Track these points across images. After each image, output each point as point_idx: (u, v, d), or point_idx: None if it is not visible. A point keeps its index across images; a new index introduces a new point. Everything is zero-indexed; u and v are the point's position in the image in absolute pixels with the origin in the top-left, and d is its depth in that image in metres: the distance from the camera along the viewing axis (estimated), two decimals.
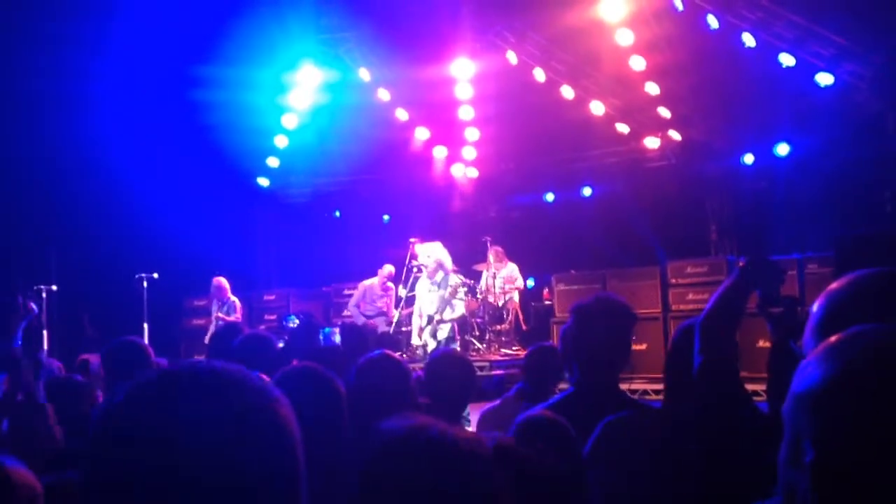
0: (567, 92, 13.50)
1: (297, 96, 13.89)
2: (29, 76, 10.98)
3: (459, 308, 11.05)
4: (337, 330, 11.24)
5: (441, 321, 11.06)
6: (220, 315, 12.08)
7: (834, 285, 1.68)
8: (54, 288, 11.55)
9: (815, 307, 1.66)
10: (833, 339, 1.27)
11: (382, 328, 12.45)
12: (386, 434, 1.53)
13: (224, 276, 12.45)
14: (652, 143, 14.14)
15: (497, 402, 4.81)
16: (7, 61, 10.74)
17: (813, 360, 1.25)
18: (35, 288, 11.30)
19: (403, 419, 1.59)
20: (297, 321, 11.52)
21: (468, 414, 5.13)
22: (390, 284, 13.09)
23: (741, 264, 2.72)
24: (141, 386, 1.06)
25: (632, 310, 3.32)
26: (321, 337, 8.05)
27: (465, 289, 12.16)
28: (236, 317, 11.86)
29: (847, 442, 1.17)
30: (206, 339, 12.28)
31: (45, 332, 11.16)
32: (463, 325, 11.97)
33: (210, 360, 1.10)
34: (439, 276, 11.00)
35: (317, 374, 2.88)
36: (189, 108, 12.49)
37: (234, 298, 12.29)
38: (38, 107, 11.60)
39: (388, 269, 13.03)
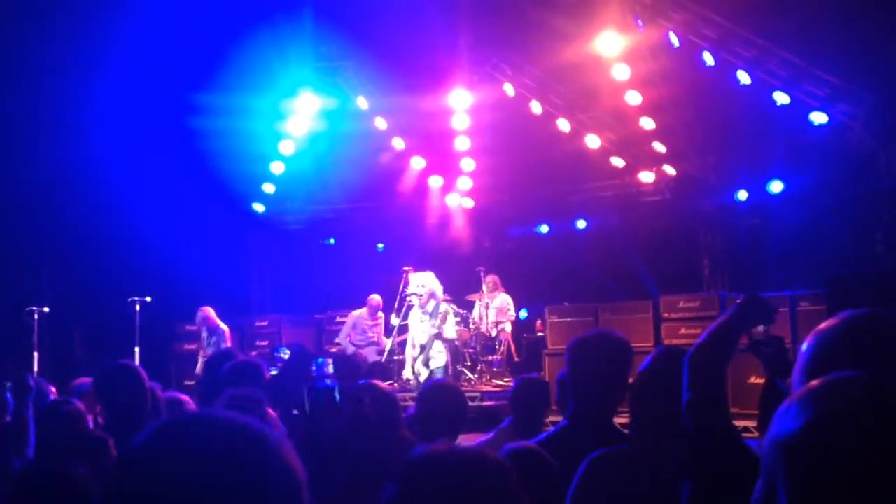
0: (563, 125, 13.58)
1: (295, 123, 13.94)
2: (25, 101, 11.02)
3: (450, 332, 11.04)
4: (330, 360, 11.22)
5: (430, 350, 11.05)
6: (205, 353, 11.99)
7: (822, 326, 1.70)
8: (46, 310, 11.50)
9: (803, 347, 1.68)
10: (813, 384, 1.27)
11: (373, 357, 12.43)
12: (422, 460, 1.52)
13: (215, 303, 12.43)
14: (647, 177, 14.21)
15: (490, 434, 4.80)
16: (6, 86, 10.78)
17: (790, 406, 1.26)
18: (27, 309, 11.26)
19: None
20: (287, 353, 11.49)
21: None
22: (380, 314, 13.08)
23: (738, 301, 2.73)
24: (147, 441, 1.10)
25: (629, 345, 3.34)
26: (314, 368, 8.03)
27: (458, 318, 12.15)
28: (226, 346, 11.80)
29: (817, 494, 1.18)
30: (197, 367, 12.25)
31: (35, 354, 11.13)
32: (455, 355, 11.95)
33: (211, 411, 1.14)
34: (430, 305, 11.00)
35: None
36: (185, 133, 12.54)
37: (223, 326, 12.25)
38: (35, 131, 11.63)
39: (376, 298, 13.04)
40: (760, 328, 2.82)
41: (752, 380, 10.66)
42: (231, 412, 1.14)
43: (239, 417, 1.13)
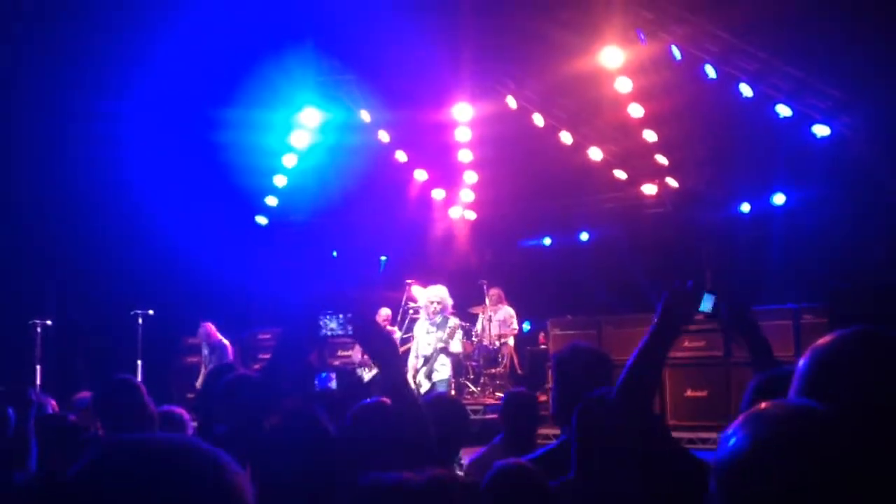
0: (566, 137, 13.60)
1: (298, 136, 13.97)
2: (32, 118, 11.08)
3: (456, 347, 11.03)
4: (334, 375, 11.17)
5: (435, 362, 11.03)
6: (207, 368, 12.01)
7: (820, 342, 1.70)
8: (49, 323, 11.50)
9: (800, 362, 1.68)
10: (756, 408, 1.28)
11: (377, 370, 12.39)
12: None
13: (218, 315, 12.45)
14: (649, 189, 14.22)
15: (484, 449, 4.78)
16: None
17: (732, 430, 1.27)
18: (31, 322, 11.27)
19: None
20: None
21: (461, 458, 5.10)
22: (391, 328, 13.04)
23: (656, 316, 2.70)
24: (86, 466, 1.11)
25: (607, 356, 3.38)
26: (317, 381, 8.01)
27: (462, 332, 12.14)
28: (228, 360, 11.80)
29: None
30: (197, 382, 12.24)
31: (38, 367, 11.12)
32: (458, 367, 11.94)
33: (155, 435, 1.15)
34: (439, 317, 10.99)
35: (309, 420, 2.87)
36: (191, 148, 12.57)
37: (225, 341, 12.25)
38: (41, 146, 11.67)
39: (385, 311, 13.01)
40: (709, 305, 2.81)
41: (689, 393, 10.70)
42: (171, 435, 1.15)
43: (179, 438, 1.15)
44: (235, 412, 3.71)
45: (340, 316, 3.25)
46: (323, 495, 2.69)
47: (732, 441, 1.24)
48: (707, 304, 2.83)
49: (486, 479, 2.75)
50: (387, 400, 3.47)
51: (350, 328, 3.24)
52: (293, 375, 3.71)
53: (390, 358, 3.17)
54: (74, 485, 1.10)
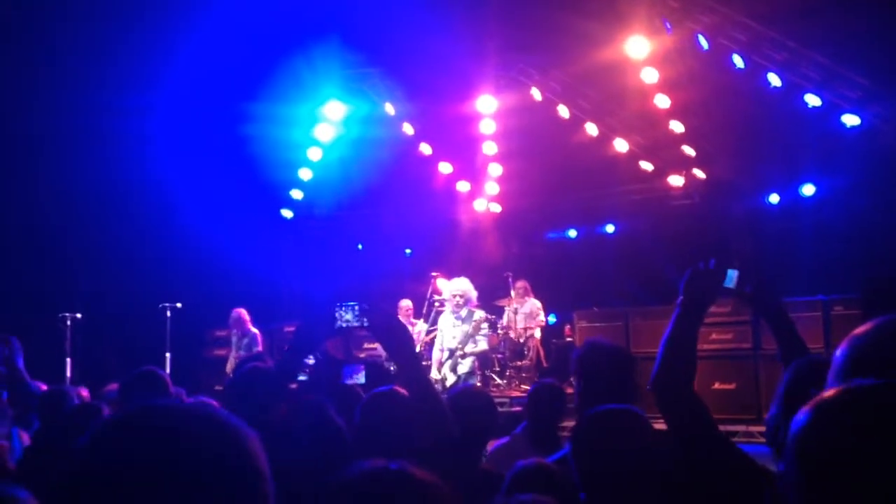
0: (591, 129, 13.52)
1: (322, 130, 14.00)
2: (60, 113, 11.18)
3: (482, 343, 11.01)
4: (362, 367, 11.18)
5: (463, 355, 11.02)
6: (237, 355, 12.11)
7: (857, 331, 1.67)
8: (79, 316, 11.62)
9: (838, 352, 1.66)
10: (829, 392, 1.30)
11: None
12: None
13: (245, 307, 12.49)
14: (676, 181, 14.12)
15: (506, 439, 4.77)
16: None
17: (804, 412, 1.29)
18: (60, 315, 11.39)
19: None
20: (311, 358, 11.48)
21: (487, 451, 5.09)
22: (414, 321, 13.05)
23: (679, 298, 2.68)
24: (101, 430, 1.12)
25: (628, 353, 3.36)
26: (344, 375, 8.01)
27: (488, 324, 12.11)
28: (258, 349, 11.87)
29: (820, 496, 1.22)
30: (228, 369, 12.32)
31: (68, 360, 11.24)
32: (484, 360, 11.92)
33: (172, 401, 1.15)
34: (464, 310, 10.96)
35: (319, 411, 2.87)
36: (218, 143, 12.64)
37: (254, 330, 12.32)
38: (70, 142, 11.78)
39: (406, 303, 13.02)
40: (733, 281, 2.77)
41: (717, 386, 10.61)
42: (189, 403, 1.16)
43: (197, 406, 1.16)
44: (247, 403, 3.74)
45: (356, 307, 3.24)
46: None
47: (799, 417, 1.27)
48: (731, 281, 2.79)
49: (507, 478, 2.73)
50: (399, 389, 3.45)
51: (365, 320, 3.23)
52: (321, 370, 3.71)
53: (405, 350, 3.15)
54: (89, 446, 1.10)
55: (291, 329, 14.76)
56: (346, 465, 1.58)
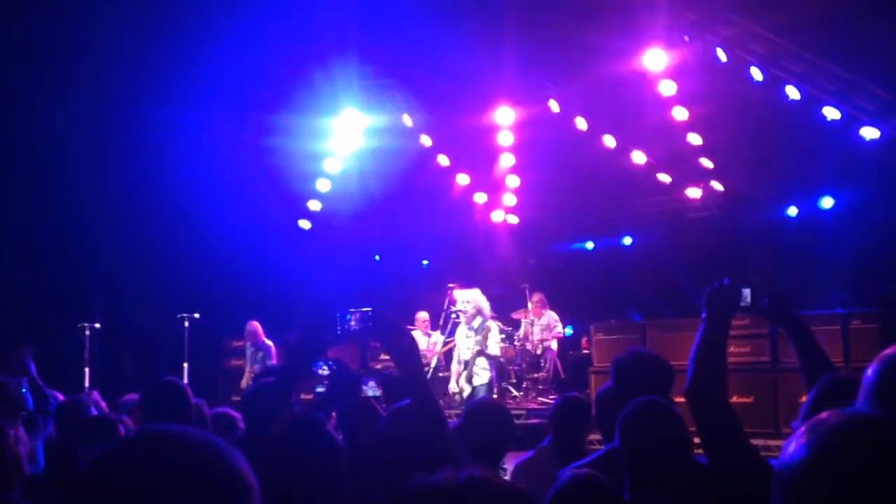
0: (609, 141, 13.51)
1: (341, 141, 14.05)
2: (82, 124, 11.31)
3: (494, 349, 11.01)
4: (372, 381, 11.17)
5: (474, 366, 11.03)
6: (252, 369, 12.16)
7: (889, 350, 1.66)
8: (97, 326, 11.70)
9: (869, 371, 1.65)
10: (821, 416, 1.26)
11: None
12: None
13: (263, 318, 12.53)
14: (693, 193, 14.07)
15: (531, 452, 4.74)
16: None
17: (795, 438, 1.26)
18: (79, 325, 11.47)
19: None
20: (326, 368, 11.49)
21: (504, 463, 5.07)
22: (431, 332, 13.05)
23: (703, 314, 2.72)
24: (101, 458, 1.18)
25: (670, 365, 3.33)
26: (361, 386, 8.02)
27: (503, 335, 12.10)
28: (272, 362, 11.90)
29: None
30: (243, 382, 12.35)
31: (87, 370, 11.32)
32: (500, 372, 11.91)
33: (168, 427, 1.21)
34: (477, 321, 10.97)
35: (314, 426, 2.87)
36: (237, 155, 12.72)
37: (269, 342, 12.35)
38: (91, 153, 11.90)
39: (423, 315, 13.03)
40: (747, 298, 2.85)
41: (735, 399, 10.51)
42: (187, 428, 1.21)
43: (192, 432, 1.20)
44: (250, 418, 3.77)
45: (357, 313, 3.25)
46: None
47: (793, 449, 1.23)
48: (745, 299, 2.87)
49: (555, 487, 2.72)
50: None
51: (370, 324, 3.24)
52: (337, 382, 3.73)
53: (409, 356, 3.14)
54: (92, 471, 1.16)
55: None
56: (339, 481, 1.59)
